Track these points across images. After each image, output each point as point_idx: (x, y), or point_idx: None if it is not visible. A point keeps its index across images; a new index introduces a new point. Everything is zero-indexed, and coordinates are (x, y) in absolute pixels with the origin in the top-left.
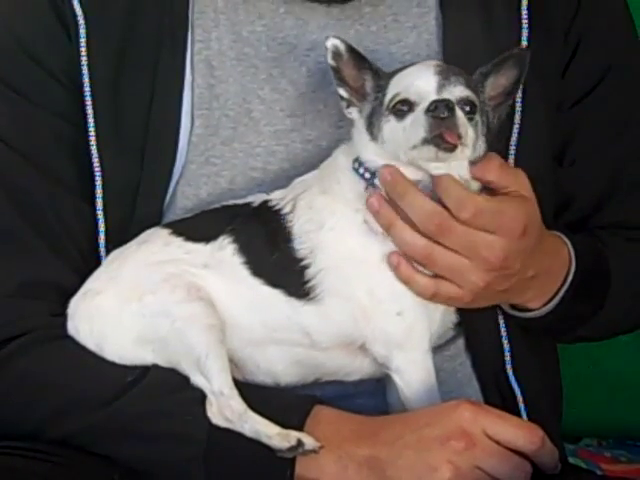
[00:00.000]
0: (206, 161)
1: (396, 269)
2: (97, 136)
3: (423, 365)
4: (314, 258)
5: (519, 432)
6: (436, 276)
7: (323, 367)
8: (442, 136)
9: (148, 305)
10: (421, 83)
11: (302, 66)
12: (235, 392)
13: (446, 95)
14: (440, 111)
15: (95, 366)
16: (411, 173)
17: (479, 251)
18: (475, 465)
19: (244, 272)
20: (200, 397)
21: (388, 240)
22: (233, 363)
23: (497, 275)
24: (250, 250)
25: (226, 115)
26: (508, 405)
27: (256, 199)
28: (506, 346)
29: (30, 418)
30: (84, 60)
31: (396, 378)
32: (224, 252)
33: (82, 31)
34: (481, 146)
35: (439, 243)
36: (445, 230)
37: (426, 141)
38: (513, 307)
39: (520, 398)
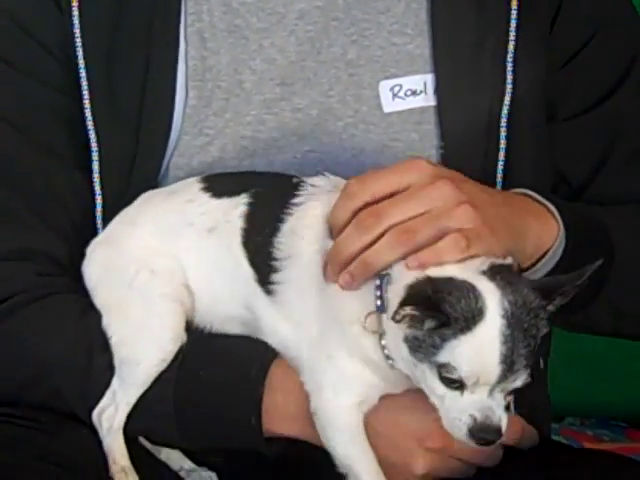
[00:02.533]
0: (199, 132)
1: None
2: (92, 108)
3: (346, 413)
4: (286, 266)
5: None
6: None
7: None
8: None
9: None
10: (485, 375)
11: (291, 35)
12: (127, 410)
13: (500, 389)
14: (490, 440)
15: (72, 329)
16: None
17: (438, 204)
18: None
19: (238, 238)
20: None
21: None
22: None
23: (472, 212)
24: (252, 220)
25: (218, 86)
26: None
27: (311, 180)
28: None
29: (12, 382)
30: (77, 32)
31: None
32: (235, 211)
33: (75, 3)
34: None
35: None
36: (381, 215)
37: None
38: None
39: None
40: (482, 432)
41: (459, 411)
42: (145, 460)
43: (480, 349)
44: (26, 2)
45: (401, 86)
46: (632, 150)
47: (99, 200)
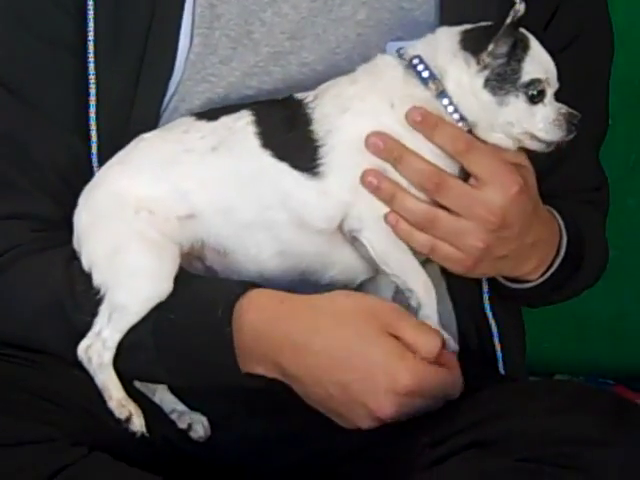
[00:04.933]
0: (202, 79)
1: (395, 227)
2: (95, 47)
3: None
4: (329, 139)
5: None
6: None
7: (306, 257)
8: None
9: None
10: (553, 77)
11: None
12: (114, 347)
13: (556, 87)
14: (577, 126)
15: (58, 276)
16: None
17: (477, 209)
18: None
19: (254, 142)
20: None
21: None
22: (222, 252)
23: (497, 237)
24: (266, 124)
25: (226, 35)
26: (483, 338)
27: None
28: (485, 286)
29: (8, 329)
30: None
31: (364, 241)
32: (240, 122)
33: None
34: None
35: (439, 205)
36: (442, 187)
37: (550, 144)
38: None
39: (495, 329)
40: (573, 117)
41: (554, 112)
42: (141, 398)
43: (543, 55)
44: None
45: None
46: (583, 147)
47: (94, 138)
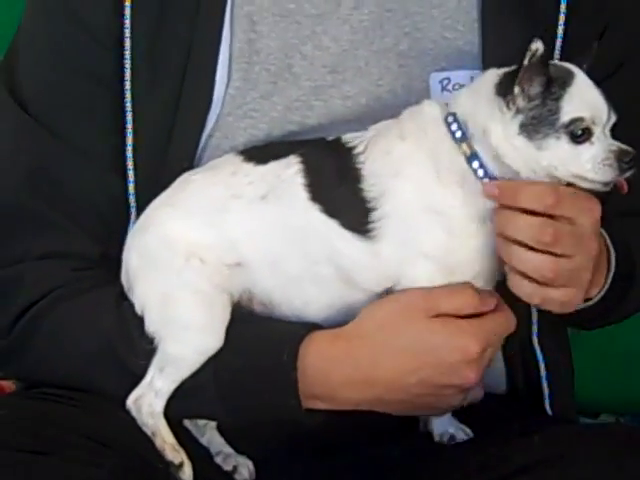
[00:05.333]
0: (244, 114)
1: (512, 282)
2: (132, 84)
3: None
4: (382, 203)
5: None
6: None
7: (354, 311)
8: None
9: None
10: (602, 115)
11: (345, 24)
12: (168, 396)
13: (609, 124)
14: (632, 165)
15: (109, 320)
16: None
17: (584, 241)
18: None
19: (302, 194)
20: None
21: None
22: (268, 304)
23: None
24: (315, 175)
25: (266, 69)
26: (530, 374)
27: (327, 137)
28: (534, 317)
29: (55, 374)
30: (127, 12)
31: None
32: (289, 170)
33: None
34: None
35: (552, 253)
36: (558, 236)
37: (606, 184)
38: None
39: (543, 367)
40: (625, 155)
41: (603, 151)
42: (186, 442)
43: (587, 92)
44: None
45: (449, 79)
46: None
47: (131, 176)
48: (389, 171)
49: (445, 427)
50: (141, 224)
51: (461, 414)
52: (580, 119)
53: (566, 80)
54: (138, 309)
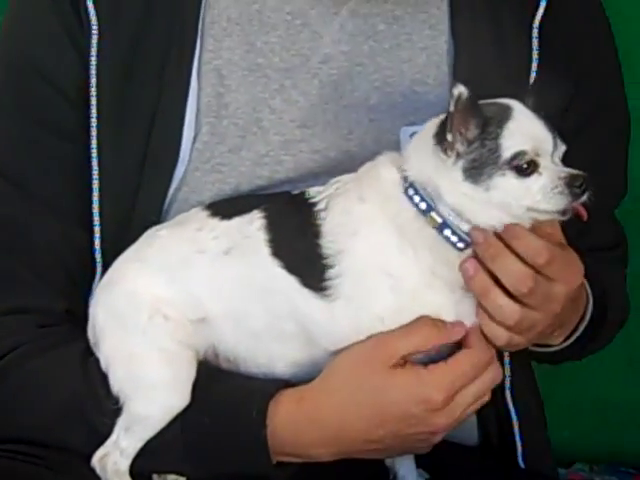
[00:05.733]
0: (212, 168)
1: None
2: (98, 138)
3: None
4: (340, 261)
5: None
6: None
7: (320, 368)
8: (573, 208)
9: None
10: (545, 145)
11: (314, 78)
12: (134, 455)
13: (556, 154)
14: (583, 188)
15: (75, 378)
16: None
17: (550, 303)
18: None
19: (265, 250)
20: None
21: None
22: (232, 360)
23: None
24: (277, 230)
25: (235, 124)
26: (502, 427)
27: (294, 190)
28: (507, 371)
29: (19, 430)
30: (93, 70)
31: None
32: (252, 226)
33: (94, 41)
34: None
35: (523, 303)
36: (533, 290)
37: (563, 212)
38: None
39: (515, 418)
40: (575, 180)
41: (552, 180)
42: None
43: (526, 124)
44: (42, 42)
45: None
46: (604, 209)
47: (97, 232)
48: (348, 230)
49: None
50: (108, 279)
51: (433, 468)
52: (522, 152)
53: (503, 117)
54: (103, 366)
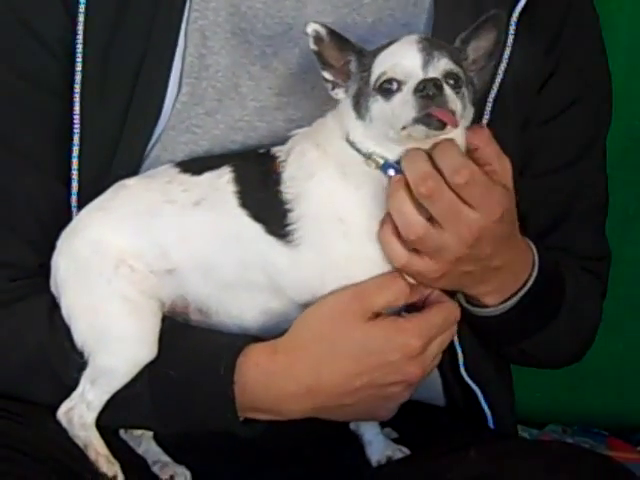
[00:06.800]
0: (186, 129)
1: (380, 229)
2: (82, 92)
3: None
4: (298, 204)
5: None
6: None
7: (290, 317)
8: (432, 115)
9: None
10: (406, 62)
11: (295, 47)
12: (100, 408)
13: (432, 71)
14: (429, 90)
15: (42, 330)
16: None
17: (458, 224)
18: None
19: (233, 201)
20: None
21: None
22: (204, 311)
23: (468, 253)
24: (244, 182)
25: (213, 86)
26: (467, 394)
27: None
28: (459, 351)
29: None
30: (80, 25)
31: None
32: (221, 180)
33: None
34: (470, 114)
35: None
36: (435, 194)
37: (416, 121)
38: (468, 302)
39: (477, 390)
40: (420, 84)
41: (406, 94)
42: (122, 452)
43: (398, 51)
44: None
45: None
46: (585, 212)
47: (75, 189)
48: (304, 173)
49: (382, 452)
50: (72, 228)
51: (402, 425)
52: (383, 73)
53: (380, 48)
54: (65, 317)
